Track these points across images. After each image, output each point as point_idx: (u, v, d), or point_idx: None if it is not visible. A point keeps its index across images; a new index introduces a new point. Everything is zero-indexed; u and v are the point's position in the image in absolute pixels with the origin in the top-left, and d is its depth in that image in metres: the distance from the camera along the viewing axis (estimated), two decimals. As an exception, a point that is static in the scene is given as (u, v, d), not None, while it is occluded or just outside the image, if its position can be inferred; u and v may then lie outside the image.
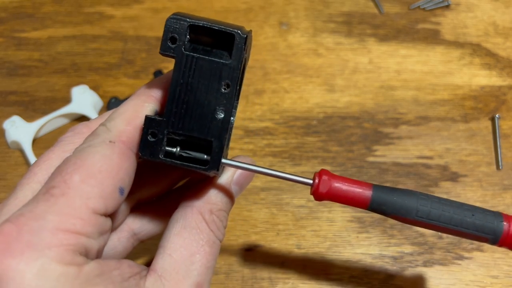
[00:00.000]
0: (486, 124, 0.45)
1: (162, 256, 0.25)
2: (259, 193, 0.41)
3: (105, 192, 0.23)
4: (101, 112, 0.45)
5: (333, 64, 0.48)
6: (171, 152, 0.25)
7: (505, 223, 0.28)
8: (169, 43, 0.24)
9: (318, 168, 0.43)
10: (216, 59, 0.24)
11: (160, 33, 0.51)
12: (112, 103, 0.45)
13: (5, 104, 0.46)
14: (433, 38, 0.50)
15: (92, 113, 0.43)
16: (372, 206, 0.28)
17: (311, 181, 0.27)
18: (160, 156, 0.24)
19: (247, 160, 0.28)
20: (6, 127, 0.43)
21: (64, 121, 0.45)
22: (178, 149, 0.25)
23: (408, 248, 0.39)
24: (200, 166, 0.24)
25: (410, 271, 0.38)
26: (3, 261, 0.20)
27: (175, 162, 0.24)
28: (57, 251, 0.21)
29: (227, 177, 0.28)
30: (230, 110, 0.24)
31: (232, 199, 0.28)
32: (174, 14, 0.24)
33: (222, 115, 0.24)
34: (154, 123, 0.24)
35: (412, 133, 0.45)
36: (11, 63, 0.49)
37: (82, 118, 0.45)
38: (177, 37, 0.24)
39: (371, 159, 0.43)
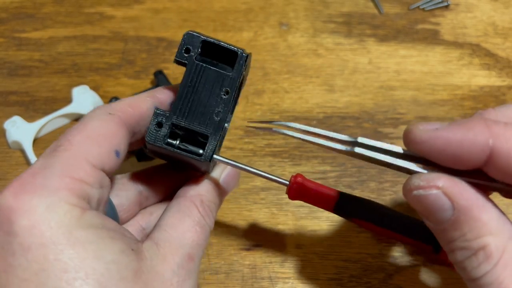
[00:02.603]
0: (486, 124, 0.45)
1: (158, 230, 0.28)
2: (259, 193, 0.42)
3: (102, 152, 0.27)
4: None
5: (332, 64, 0.49)
6: (172, 143, 0.29)
7: None
8: (184, 52, 0.29)
9: (318, 168, 0.43)
10: (220, 70, 0.29)
11: (160, 33, 0.51)
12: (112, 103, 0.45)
13: (5, 104, 0.46)
14: (432, 38, 0.50)
15: (92, 113, 0.44)
16: (336, 209, 0.33)
17: (287, 182, 0.32)
18: (162, 143, 0.29)
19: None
20: (7, 127, 0.43)
21: (65, 121, 0.45)
22: (178, 141, 0.29)
23: (408, 248, 0.39)
24: (195, 156, 0.29)
25: (410, 271, 0.38)
26: (19, 196, 0.24)
27: (174, 150, 0.29)
28: (64, 193, 0.24)
29: (215, 175, 0.32)
30: (227, 113, 0.29)
31: (220, 195, 0.32)
32: (190, 30, 0.29)
33: (219, 116, 0.29)
34: (161, 115, 0.29)
35: (412, 133, 0.45)
36: (11, 63, 0.49)
37: (82, 118, 0.45)
38: (191, 48, 0.29)
39: (370, 159, 0.43)
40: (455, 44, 0.50)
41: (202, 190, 0.31)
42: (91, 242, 0.24)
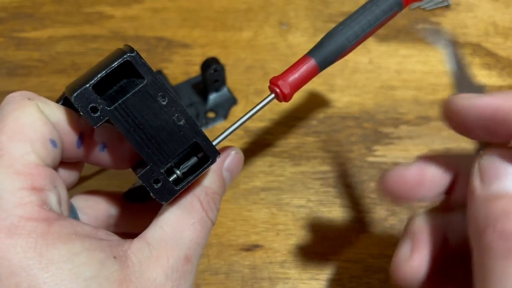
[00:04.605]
0: (486, 124, 0.45)
1: (154, 228, 0.25)
2: (259, 193, 0.41)
3: (37, 145, 0.23)
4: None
5: (333, 64, 0.48)
6: (177, 179, 0.26)
7: None
8: (93, 114, 0.24)
9: (318, 168, 0.43)
10: (136, 89, 0.24)
11: (159, 33, 0.51)
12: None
13: (5, 104, 0.46)
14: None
15: (92, 113, 0.43)
16: (321, 67, 0.32)
17: (273, 94, 0.31)
18: (175, 190, 0.25)
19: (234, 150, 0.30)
20: (6, 127, 0.43)
21: (64, 121, 0.45)
22: (178, 172, 0.26)
23: (408, 248, 0.39)
24: (207, 164, 0.26)
25: (410, 271, 0.38)
26: None
27: (188, 181, 0.25)
28: (23, 208, 0.21)
29: (218, 164, 0.28)
30: (183, 109, 0.25)
31: (224, 185, 0.29)
32: (69, 90, 0.24)
33: (183, 119, 0.25)
34: (148, 173, 0.25)
35: (412, 133, 0.45)
36: (10, 63, 0.49)
37: (82, 118, 0.45)
38: (94, 105, 0.24)
39: (371, 159, 0.43)
40: (456, 44, 0.50)
41: (206, 181, 0.28)
42: (66, 261, 0.21)
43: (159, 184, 0.25)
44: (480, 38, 0.50)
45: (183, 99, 0.45)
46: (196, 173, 0.25)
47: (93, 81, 0.24)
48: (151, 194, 0.25)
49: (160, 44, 0.49)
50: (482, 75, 0.48)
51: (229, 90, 0.46)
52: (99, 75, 0.24)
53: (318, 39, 0.33)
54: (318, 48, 0.31)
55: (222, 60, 0.44)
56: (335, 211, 0.41)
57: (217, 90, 0.46)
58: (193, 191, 0.27)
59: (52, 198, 0.23)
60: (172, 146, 0.25)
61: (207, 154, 0.26)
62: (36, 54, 0.49)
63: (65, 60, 0.49)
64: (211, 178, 0.28)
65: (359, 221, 0.40)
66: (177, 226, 0.26)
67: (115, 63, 0.24)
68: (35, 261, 0.21)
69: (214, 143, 0.26)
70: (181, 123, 0.25)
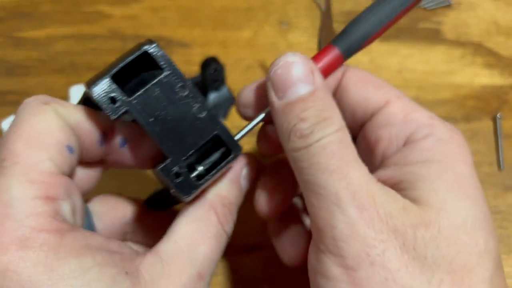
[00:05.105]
0: (488, 124, 0.45)
1: (167, 241, 0.25)
2: (259, 194, 0.41)
3: (53, 152, 0.23)
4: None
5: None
6: (202, 176, 0.25)
7: None
8: (112, 105, 0.23)
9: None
10: (156, 80, 0.24)
11: (159, 32, 0.51)
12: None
13: (3, 104, 0.46)
14: (434, 37, 0.50)
15: (90, 113, 0.43)
16: (346, 56, 0.30)
17: None
18: (197, 184, 0.25)
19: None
20: (5, 126, 0.43)
21: (63, 121, 0.45)
22: (201, 167, 0.25)
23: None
24: (230, 158, 0.25)
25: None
26: None
27: (212, 176, 0.25)
28: (35, 219, 0.21)
29: (236, 171, 0.28)
30: (204, 101, 0.25)
31: (241, 194, 0.29)
32: (89, 83, 0.24)
33: (204, 111, 0.25)
34: (168, 166, 0.24)
35: (413, 133, 0.44)
36: (9, 63, 0.48)
37: (80, 118, 0.44)
38: (114, 95, 0.24)
39: (372, 159, 0.43)
40: (457, 43, 0.49)
41: (223, 191, 0.27)
42: (76, 277, 0.21)
43: (180, 178, 0.24)
44: (481, 37, 0.50)
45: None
46: (219, 167, 0.25)
47: (112, 72, 0.24)
48: (172, 190, 0.24)
49: (159, 43, 0.49)
50: (483, 75, 0.48)
51: (229, 90, 0.46)
52: (118, 66, 0.24)
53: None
54: (342, 36, 0.29)
55: (222, 59, 0.44)
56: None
57: (216, 89, 0.45)
58: (209, 201, 0.26)
59: (66, 208, 0.23)
60: (192, 139, 0.24)
61: (229, 148, 0.25)
62: (35, 53, 0.49)
63: (63, 59, 0.48)
64: (228, 188, 0.27)
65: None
66: (191, 240, 0.25)
67: (134, 55, 0.24)
68: (45, 277, 0.20)
69: (236, 137, 0.26)
70: (202, 115, 0.25)
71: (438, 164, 0.24)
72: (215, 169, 0.25)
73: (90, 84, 0.24)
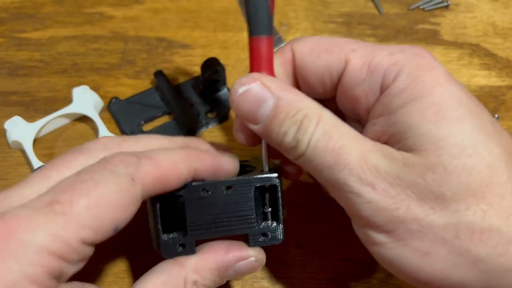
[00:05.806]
0: (485, 124, 0.45)
1: None
2: (259, 193, 0.42)
3: (102, 226, 0.23)
4: (101, 112, 0.45)
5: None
6: (272, 214, 0.31)
7: None
8: (183, 249, 0.28)
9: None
10: (183, 201, 0.28)
11: (160, 33, 0.51)
12: (112, 103, 0.45)
13: (6, 104, 0.46)
14: (432, 38, 0.50)
15: (93, 113, 0.44)
16: (270, 33, 0.29)
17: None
18: (279, 225, 0.31)
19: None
20: (7, 127, 0.43)
21: (65, 121, 0.45)
22: (269, 209, 0.31)
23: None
24: (276, 188, 0.30)
25: (409, 271, 0.38)
26: None
27: (279, 209, 0.31)
28: (35, 270, 0.21)
29: (229, 259, 0.29)
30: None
31: (221, 282, 0.29)
32: (155, 245, 0.28)
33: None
34: (256, 236, 0.30)
35: (412, 133, 0.45)
36: (12, 64, 0.49)
37: (83, 118, 0.45)
38: (181, 242, 0.28)
39: (370, 159, 0.43)
40: (455, 44, 0.50)
41: (202, 270, 0.28)
42: None
43: (273, 229, 0.30)
44: (479, 38, 0.50)
45: (183, 99, 0.45)
46: (277, 199, 0.30)
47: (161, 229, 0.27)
48: (272, 244, 0.30)
49: (160, 44, 0.49)
50: (481, 75, 0.48)
51: (229, 91, 0.46)
52: (158, 225, 0.27)
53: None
54: (252, 23, 0.29)
55: (223, 60, 0.44)
56: (335, 211, 0.41)
57: (217, 90, 0.46)
58: (184, 274, 0.27)
59: (70, 271, 0.23)
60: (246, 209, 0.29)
61: (267, 185, 0.29)
62: (37, 54, 0.49)
63: (66, 60, 0.49)
64: (210, 271, 0.28)
65: (359, 220, 0.40)
66: None
67: (158, 211, 0.27)
68: None
69: (265, 170, 0.30)
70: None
71: (416, 102, 0.25)
72: (277, 202, 0.29)
73: (156, 245, 0.28)
